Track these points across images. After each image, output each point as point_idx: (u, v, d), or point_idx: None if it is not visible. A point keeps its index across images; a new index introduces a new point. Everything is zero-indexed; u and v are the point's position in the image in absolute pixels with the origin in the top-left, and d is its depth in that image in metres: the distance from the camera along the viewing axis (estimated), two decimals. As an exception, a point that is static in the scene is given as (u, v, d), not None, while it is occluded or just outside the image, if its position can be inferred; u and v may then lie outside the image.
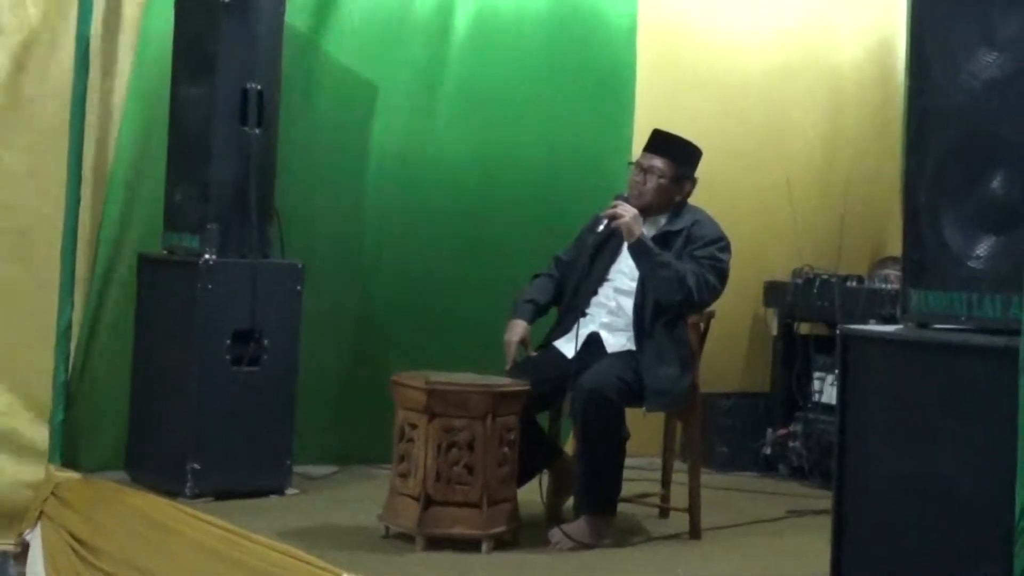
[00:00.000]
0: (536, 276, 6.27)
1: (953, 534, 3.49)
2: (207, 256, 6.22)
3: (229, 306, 6.24)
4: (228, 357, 6.24)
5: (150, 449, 6.35)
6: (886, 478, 3.65)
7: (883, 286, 7.33)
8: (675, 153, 6.05)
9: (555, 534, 5.67)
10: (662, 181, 6.01)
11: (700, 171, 6.10)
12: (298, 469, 6.54)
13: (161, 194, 6.52)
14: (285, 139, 6.63)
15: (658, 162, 6.02)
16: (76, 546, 5.79)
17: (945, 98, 3.68)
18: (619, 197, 5.98)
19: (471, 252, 7.32)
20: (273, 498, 6.29)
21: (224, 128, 6.31)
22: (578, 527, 5.68)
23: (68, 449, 6.40)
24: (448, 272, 7.28)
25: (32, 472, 6.32)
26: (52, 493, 6.09)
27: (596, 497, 5.74)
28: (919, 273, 3.71)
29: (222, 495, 6.12)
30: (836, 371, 3.76)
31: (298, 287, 6.43)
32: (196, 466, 6.12)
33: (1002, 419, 3.16)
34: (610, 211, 5.88)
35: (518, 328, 6.02)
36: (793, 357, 7.78)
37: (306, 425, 6.57)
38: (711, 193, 6.36)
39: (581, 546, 5.61)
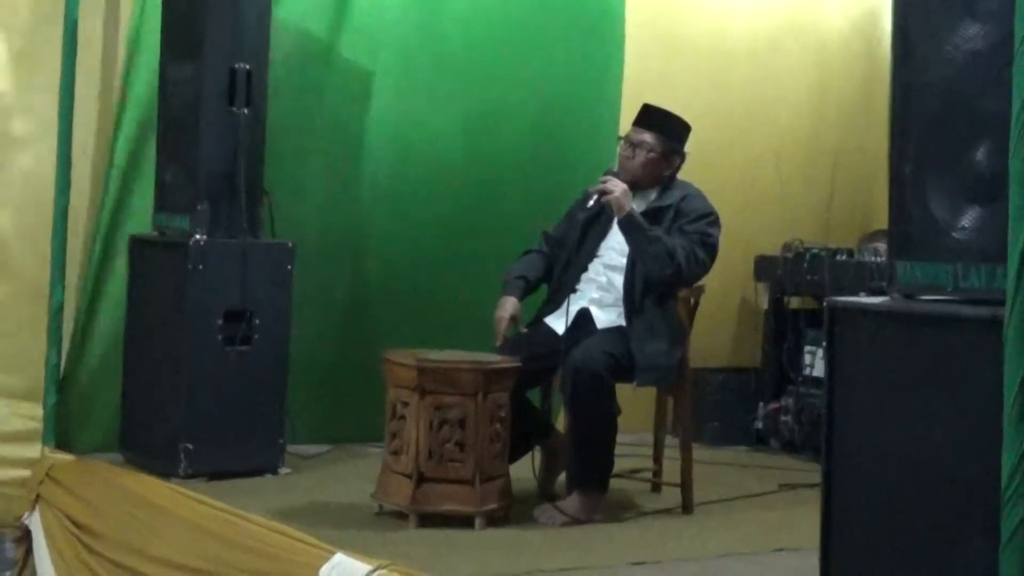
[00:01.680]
0: (526, 252, 6.28)
1: (942, 506, 3.50)
2: (197, 236, 6.23)
3: (220, 286, 6.26)
4: (220, 337, 6.25)
5: (143, 430, 6.36)
6: (874, 450, 3.67)
7: (873, 259, 7.35)
8: (665, 128, 6.06)
9: (547, 510, 5.69)
10: (652, 155, 6.02)
11: (689, 145, 6.11)
12: (291, 448, 6.55)
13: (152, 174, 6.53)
14: (273, 119, 6.62)
15: (648, 137, 6.03)
16: (75, 530, 5.80)
17: (929, 70, 3.69)
18: (609, 172, 5.99)
19: (460, 230, 7.32)
20: (266, 477, 6.32)
21: (213, 109, 6.32)
22: (570, 503, 5.70)
23: (62, 431, 6.41)
24: (438, 250, 7.28)
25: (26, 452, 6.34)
26: (47, 475, 6.10)
27: (588, 473, 5.76)
28: (905, 245, 3.72)
29: (215, 475, 6.14)
30: (824, 344, 3.77)
31: (288, 267, 6.45)
32: (189, 446, 6.14)
33: (988, 389, 3.18)
34: (600, 186, 5.89)
35: (508, 304, 6.04)
36: (784, 331, 7.80)
37: (298, 404, 6.59)
38: (700, 167, 6.36)
39: (574, 521, 5.62)
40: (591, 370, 5.63)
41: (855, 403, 3.73)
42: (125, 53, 6.65)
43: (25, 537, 6.10)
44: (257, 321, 6.33)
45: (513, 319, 6.02)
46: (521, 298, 6.09)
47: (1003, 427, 3.08)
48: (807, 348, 7.61)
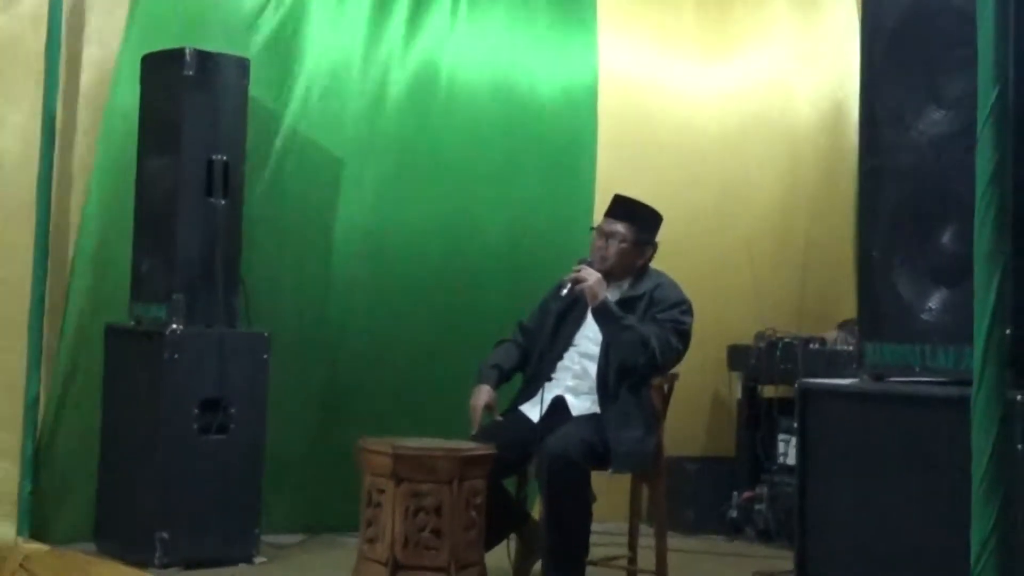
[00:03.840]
0: (500, 342, 6.30)
1: (914, 584, 3.53)
2: (174, 326, 6.26)
3: (196, 375, 6.28)
4: (195, 426, 6.27)
5: (119, 519, 6.36)
6: (846, 528, 3.69)
7: (846, 347, 7.40)
8: (636, 218, 6.10)
9: (523, 597, 5.69)
10: (624, 246, 6.06)
11: (661, 235, 6.16)
12: (266, 538, 6.55)
13: (129, 265, 6.56)
14: (250, 210, 6.68)
15: (620, 227, 6.08)
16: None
17: (896, 156, 3.75)
18: (582, 261, 6.03)
19: (436, 320, 7.36)
20: (242, 567, 6.31)
21: (190, 199, 6.38)
22: (546, 590, 5.69)
23: (37, 520, 6.40)
24: (414, 340, 7.32)
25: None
26: (20, 565, 6.07)
27: (564, 561, 5.74)
28: (874, 327, 3.77)
29: (191, 564, 6.14)
30: (795, 424, 3.81)
31: (264, 356, 6.47)
32: (165, 535, 6.13)
33: (957, 467, 3.21)
34: (574, 275, 5.93)
35: (483, 393, 6.06)
36: (757, 420, 7.84)
37: (273, 494, 6.60)
38: (672, 257, 6.40)
39: (549, 610, 5.62)
40: (567, 457, 5.64)
41: (826, 482, 3.76)
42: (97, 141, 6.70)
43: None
44: (233, 410, 6.35)
45: (488, 408, 6.04)
46: (495, 387, 6.11)
47: (972, 504, 3.11)
48: (781, 436, 7.64)
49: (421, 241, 7.40)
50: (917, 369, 3.62)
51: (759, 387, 7.91)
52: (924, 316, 3.61)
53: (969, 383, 3.23)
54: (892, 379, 3.69)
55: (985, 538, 3.08)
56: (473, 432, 5.98)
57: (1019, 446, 3.27)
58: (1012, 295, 3.21)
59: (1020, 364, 3.27)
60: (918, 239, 3.66)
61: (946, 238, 3.59)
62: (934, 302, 3.60)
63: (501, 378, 6.17)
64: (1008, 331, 3.18)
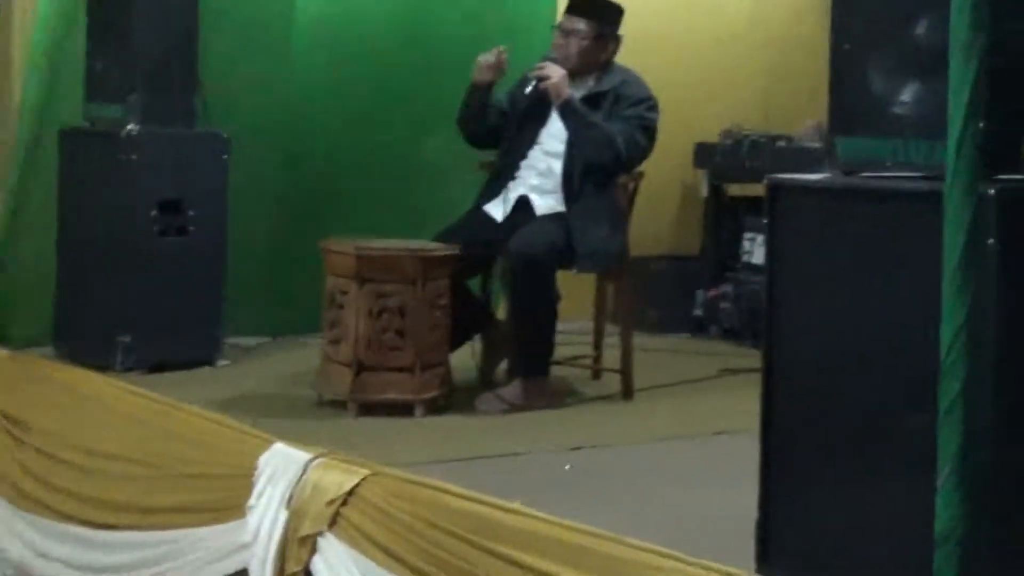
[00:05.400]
0: None
1: (882, 381, 3.50)
2: (130, 126, 6.15)
3: (154, 177, 6.19)
4: (155, 228, 6.19)
5: (79, 324, 6.31)
6: (814, 326, 3.65)
7: (813, 144, 7.33)
8: (596, 13, 6.02)
9: (488, 398, 5.69)
10: (585, 43, 5.98)
11: (627, 30, 6.06)
12: (229, 340, 6.51)
13: (83, 64, 6.42)
14: (207, 7, 6.52)
15: (580, 24, 5.99)
16: (6, 424, 5.74)
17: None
18: (546, 58, 5.95)
19: (396, 119, 7.25)
20: (205, 369, 6.29)
21: (145, -5, 6.23)
22: (512, 390, 5.70)
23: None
24: (374, 139, 7.21)
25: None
26: (-23, 370, 6.04)
27: (529, 359, 5.76)
28: (845, 121, 3.69)
29: (153, 368, 6.11)
30: (763, 221, 3.74)
31: (224, 156, 6.37)
32: (126, 339, 6.10)
33: (928, 262, 3.16)
34: (537, 71, 5.85)
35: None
36: (723, 218, 7.81)
37: (236, 296, 6.53)
38: (640, 53, 6.33)
39: (515, 409, 5.63)
40: (531, 256, 5.61)
41: (795, 281, 3.71)
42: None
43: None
44: (192, 212, 6.27)
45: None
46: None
47: (942, 299, 3.06)
48: (746, 235, 7.60)
49: (380, 36, 7.25)
50: (889, 164, 3.54)
51: (725, 185, 7.85)
52: (896, 110, 3.53)
53: (941, 177, 3.16)
54: (863, 174, 3.63)
55: (955, 334, 3.04)
56: (475, 78, 6.00)
57: (990, 240, 3.23)
58: (986, 88, 3.13)
59: (992, 158, 3.21)
60: (892, 31, 3.56)
61: (920, 29, 3.50)
62: (907, 95, 3.52)
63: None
64: (981, 124, 3.11)
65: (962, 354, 3.03)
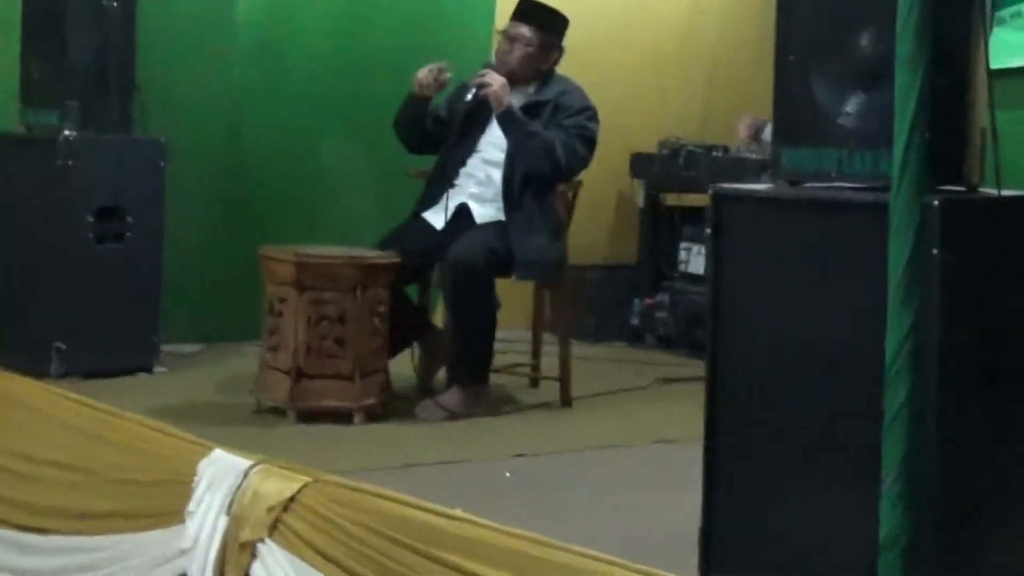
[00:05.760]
0: None
1: (827, 391, 3.52)
2: (67, 132, 6.10)
3: (91, 183, 6.15)
4: (91, 235, 6.15)
5: (13, 330, 6.24)
6: (759, 336, 3.67)
7: (750, 155, 7.38)
8: (542, 21, 6.03)
9: (428, 405, 5.69)
10: (529, 50, 5.99)
11: (566, 40, 6.07)
12: (166, 348, 6.47)
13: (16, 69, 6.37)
14: (144, 13, 6.48)
15: (525, 30, 6.00)
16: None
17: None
18: (487, 66, 5.95)
19: (335, 125, 7.24)
20: (141, 376, 6.24)
21: (81, 1, 6.17)
22: (451, 397, 5.70)
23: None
24: (312, 145, 7.20)
25: None
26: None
27: (468, 367, 5.76)
28: (789, 131, 3.71)
29: (89, 374, 6.05)
30: (708, 231, 3.75)
31: (161, 163, 6.33)
32: (61, 346, 6.05)
33: (873, 273, 3.19)
34: (478, 79, 5.85)
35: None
36: (660, 228, 7.82)
37: (173, 303, 6.49)
38: (577, 63, 6.33)
39: (454, 416, 5.63)
40: (470, 264, 5.62)
41: (740, 290, 3.72)
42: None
43: None
44: (130, 219, 6.23)
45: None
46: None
47: (887, 309, 3.09)
48: (683, 244, 7.63)
49: (316, 43, 7.23)
50: (833, 174, 3.57)
51: (662, 195, 7.87)
52: (841, 121, 3.56)
53: (886, 188, 3.19)
54: (808, 184, 3.65)
55: (900, 343, 3.07)
56: (416, 90, 5.96)
57: (934, 251, 3.26)
58: (930, 100, 3.17)
59: (936, 169, 3.24)
60: (837, 42, 3.59)
61: (865, 40, 3.53)
62: (851, 106, 3.55)
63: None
64: (926, 136, 3.14)
65: (907, 364, 3.06)
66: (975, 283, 3.40)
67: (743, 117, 7.86)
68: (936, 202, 3.28)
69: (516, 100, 5.90)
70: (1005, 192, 3.54)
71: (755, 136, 7.71)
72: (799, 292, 3.59)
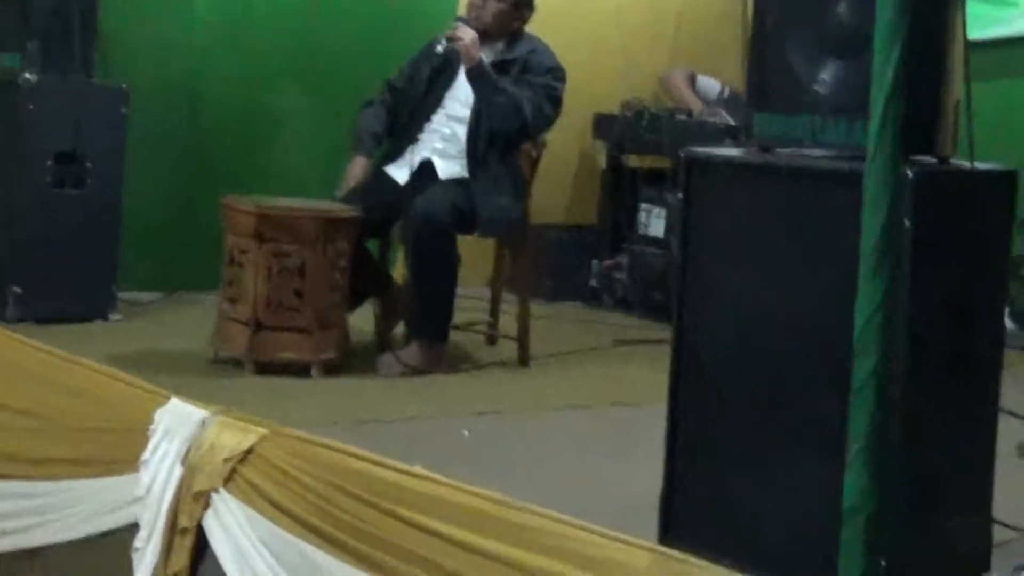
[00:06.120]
0: (368, 104, 6.16)
1: (795, 360, 3.51)
2: (27, 75, 6.05)
3: (51, 127, 6.09)
4: (50, 179, 6.10)
5: (-32, 272, 6.19)
6: (727, 302, 3.66)
7: (713, 119, 7.37)
8: (516, -21, 5.99)
9: (387, 360, 5.67)
10: (502, 7, 5.96)
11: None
12: (124, 296, 6.42)
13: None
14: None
15: (499, -13, 5.97)
16: None
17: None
18: (459, 19, 5.93)
19: (299, 75, 7.20)
20: (98, 323, 6.20)
21: (43, -58, 6.13)
22: (410, 353, 5.68)
23: None
24: (276, 95, 7.15)
25: None
26: None
27: (428, 322, 5.75)
28: (763, 97, 3.70)
29: (45, 320, 6.00)
30: (679, 196, 3.74)
31: (122, 109, 6.29)
32: (17, 290, 6.01)
33: (844, 243, 3.18)
34: (450, 33, 5.82)
35: (359, 167, 5.95)
36: (621, 190, 7.80)
37: (131, 250, 6.44)
38: (543, 23, 6.29)
39: (412, 371, 5.61)
40: (433, 219, 5.60)
41: (709, 255, 3.71)
42: None
43: None
44: (89, 164, 6.18)
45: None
46: (372, 155, 6.00)
47: (858, 280, 3.08)
48: (643, 206, 7.61)
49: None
50: (806, 142, 3.56)
51: (624, 156, 7.85)
52: (816, 88, 3.54)
53: (859, 157, 3.17)
54: (780, 151, 3.63)
55: (869, 314, 3.05)
56: (338, 194, 5.88)
57: (906, 221, 3.26)
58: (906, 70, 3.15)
59: (909, 140, 3.23)
60: (814, 9, 3.58)
61: (842, 8, 3.52)
62: (827, 74, 3.53)
63: (378, 145, 6.06)
64: (902, 106, 3.13)
65: (876, 333, 3.05)
66: (945, 255, 3.40)
67: (674, 74, 7.86)
68: (910, 172, 3.28)
69: (486, 57, 5.87)
70: (978, 165, 3.53)
71: (691, 87, 7.76)
72: (768, 259, 3.58)
